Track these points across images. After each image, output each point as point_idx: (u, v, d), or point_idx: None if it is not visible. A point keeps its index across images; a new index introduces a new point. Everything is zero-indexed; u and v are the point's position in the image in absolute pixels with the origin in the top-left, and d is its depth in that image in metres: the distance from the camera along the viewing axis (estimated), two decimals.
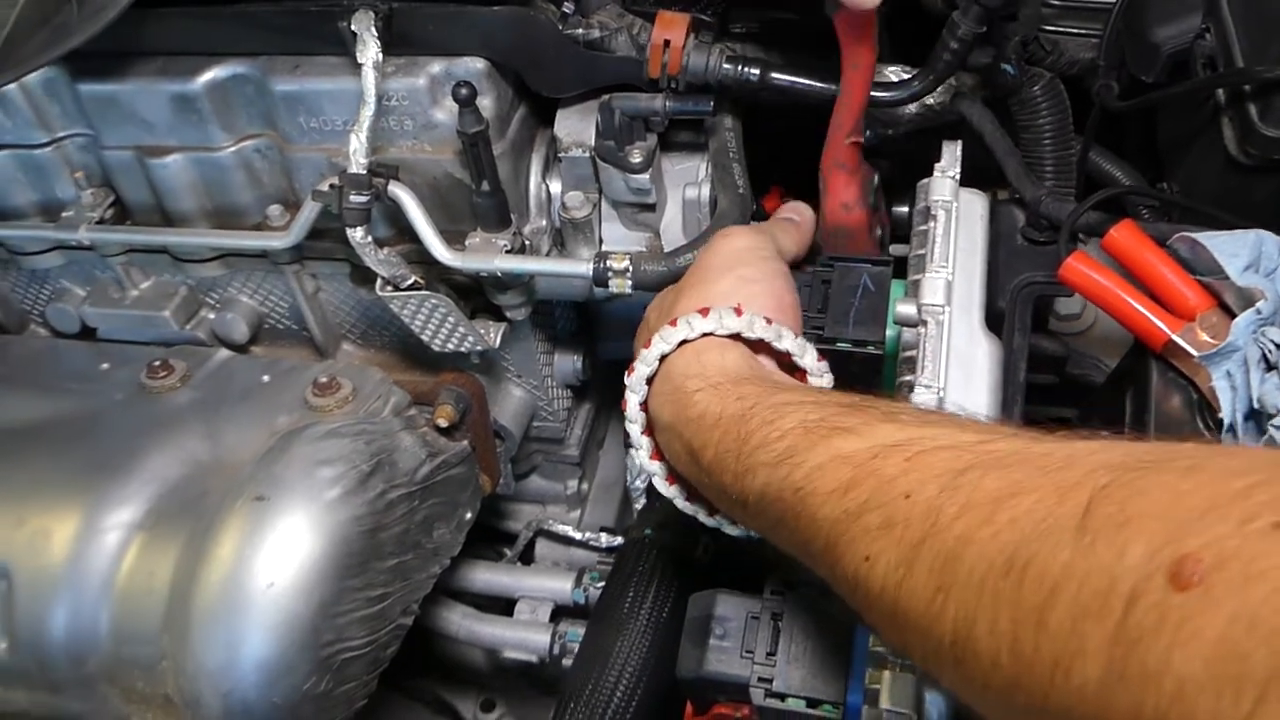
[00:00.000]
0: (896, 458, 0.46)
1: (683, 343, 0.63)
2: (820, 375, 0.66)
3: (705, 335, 0.62)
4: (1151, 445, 0.39)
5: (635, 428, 0.64)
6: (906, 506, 0.43)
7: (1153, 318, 0.62)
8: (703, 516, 0.66)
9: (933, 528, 0.41)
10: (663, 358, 0.63)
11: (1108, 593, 0.34)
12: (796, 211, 0.81)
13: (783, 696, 0.61)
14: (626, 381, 0.64)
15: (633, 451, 0.65)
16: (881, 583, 0.43)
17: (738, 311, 0.63)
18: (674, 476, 0.65)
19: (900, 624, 0.43)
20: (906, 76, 0.83)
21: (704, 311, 0.63)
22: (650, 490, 0.99)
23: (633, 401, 0.64)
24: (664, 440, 0.63)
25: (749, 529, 0.62)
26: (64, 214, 0.93)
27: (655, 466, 0.65)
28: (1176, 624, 0.31)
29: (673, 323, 0.63)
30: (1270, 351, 0.56)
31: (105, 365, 0.95)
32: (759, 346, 0.64)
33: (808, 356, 0.65)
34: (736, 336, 0.63)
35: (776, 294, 0.66)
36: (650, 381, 0.64)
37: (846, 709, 0.59)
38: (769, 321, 0.63)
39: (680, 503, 0.65)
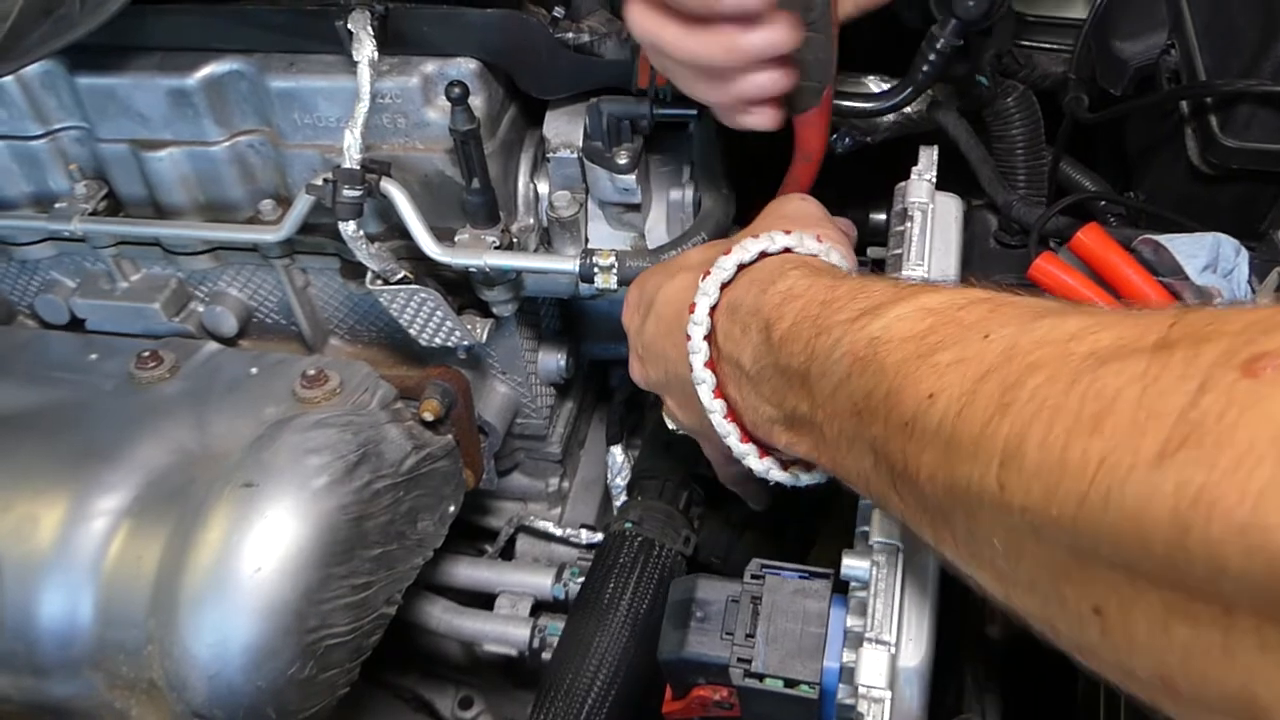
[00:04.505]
0: (981, 308, 0.45)
1: (761, 255, 0.62)
2: None
3: (785, 250, 0.62)
4: None
5: (699, 358, 0.62)
6: (982, 345, 0.43)
7: None
8: (751, 460, 0.64)
9: (1005, 359, 0.41)
10: (740, 266, 0.62)
11: (1174, 389, 0.33)
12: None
13: (761, 677, 0.63)
14: (700, 284, 0.62)
15: (694, 371, 0.63)
16: (940, 417, 0.42)
17: (818, 238, 0.63)
18: (734, 414, 0.63)
19: (950, 455, 0.42)
20: (885, 88, 0.86)
21: (787, 230, 0.63)
22: (630, 486, 1.01)
23: (703, 304, 0.62)
24: (735, 327, 0.61)
25: (806, 412, 0.56)
26: (57, 205, 0.93)
27: (717, 404, 0.62)
28: (1243, 405, 0.31)
29: (755, 235, 0.63)
30: None
31: (94, 356, 0.96)
32: None
33: None
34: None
35: (848, 254, 0.67)
36: (717, 307, 0.62)
37: (823, 688, 0.61)
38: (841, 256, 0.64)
39: (733, 441, 0.63)
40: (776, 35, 0.63)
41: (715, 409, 0.63)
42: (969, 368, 0.42)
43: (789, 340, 0.55)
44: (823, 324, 0.53)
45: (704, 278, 0.63)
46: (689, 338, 0.63)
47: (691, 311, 0.63)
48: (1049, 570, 0.39)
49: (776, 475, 0.65)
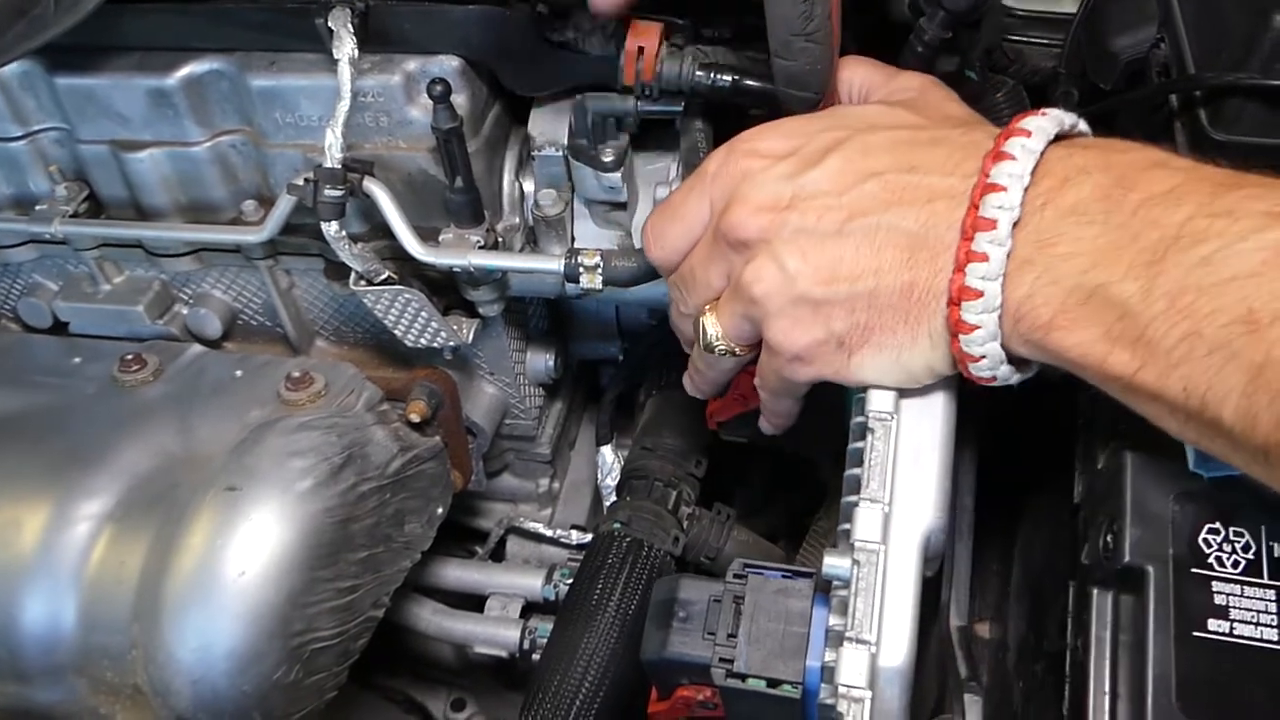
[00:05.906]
0: None
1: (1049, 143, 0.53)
2: None
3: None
4: None
5: (1012, 193, 0.51)
6: None
7: None
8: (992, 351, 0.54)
9: None
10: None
11: None
12: None
13: (743, 677, 0.62)
14: (996, 171, 0.52)
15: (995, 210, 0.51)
16: None
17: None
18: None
19: None
20: None
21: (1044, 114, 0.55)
22: (620, 487, 1.00)
23: (1031, 147, 0.52)
24: (1076, 189, 0.51)
25: (1133, 293, 0.47)
26: (37, 207, 0.93)
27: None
28: None
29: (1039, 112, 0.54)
30: None
31: (77, 359, 0.95)
32: None
33: None
34: None
35: None
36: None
37: (806, 688, 0.61)
38: None
39: (988, 319, 0.53)
40: None
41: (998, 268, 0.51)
42: None
43: (1157, 203, 0.47)
44: (1224, 206, 0.45)
45: (1013, 133, 0.53)
46: (1007, 177, 0.51)
47: (1001, 160, 0.52)
48: None
49: (1004, 371, 0.56)
